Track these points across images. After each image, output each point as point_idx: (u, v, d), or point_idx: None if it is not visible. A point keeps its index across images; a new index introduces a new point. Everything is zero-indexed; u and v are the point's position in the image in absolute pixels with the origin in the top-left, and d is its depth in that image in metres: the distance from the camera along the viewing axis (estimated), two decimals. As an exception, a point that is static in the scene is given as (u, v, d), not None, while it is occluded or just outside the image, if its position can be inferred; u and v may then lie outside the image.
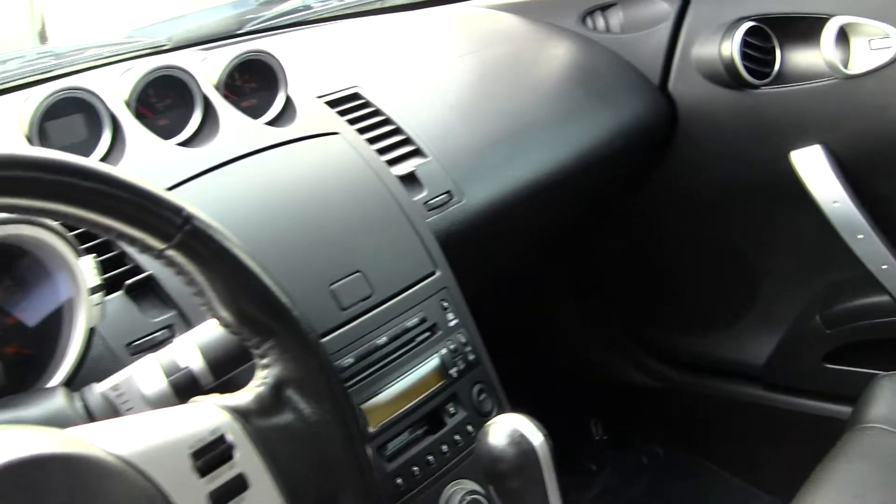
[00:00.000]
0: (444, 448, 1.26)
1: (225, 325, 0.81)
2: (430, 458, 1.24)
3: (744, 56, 1.81)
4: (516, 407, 1.22)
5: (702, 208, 2.01)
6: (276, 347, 0.81)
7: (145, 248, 0.76)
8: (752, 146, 1.87)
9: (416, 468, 1.22)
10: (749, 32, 1.81)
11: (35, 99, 1.23)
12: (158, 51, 1.67)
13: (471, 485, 1.26)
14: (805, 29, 1.79)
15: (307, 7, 1.88)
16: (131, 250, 1.12)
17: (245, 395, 0.81)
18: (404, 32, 1.85)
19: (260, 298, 0.80)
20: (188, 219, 0.76)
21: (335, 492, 0.82)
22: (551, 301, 2.28)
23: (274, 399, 0.81)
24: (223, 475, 0.75)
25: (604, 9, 1.97)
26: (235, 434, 0.77)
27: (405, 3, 2.01)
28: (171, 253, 0.76)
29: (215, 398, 0.80)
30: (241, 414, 0.79)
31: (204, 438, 0.75)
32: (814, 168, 1.80)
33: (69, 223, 0.74)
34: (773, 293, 2.06)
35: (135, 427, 0.75)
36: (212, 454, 0.75)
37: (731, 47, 1.80)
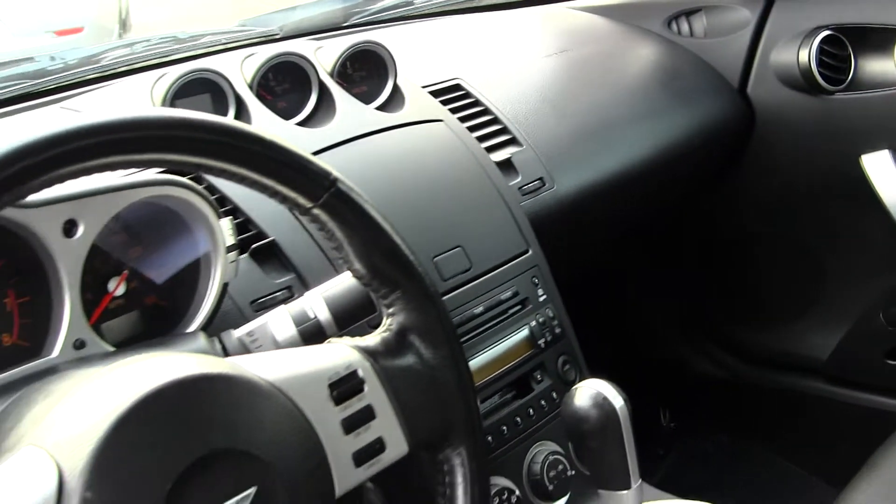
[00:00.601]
0: (531, 412, 1.37)
1: (358, 277, 0.93)
2: (518, 419, 1.35)
3: (820, 63, 1.90)
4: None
5: (775, 207, 2.10)
6: (402, 298, 0.93)
7: (295, 206, 0.88)
8: (825, 149, 1.96)
9: (504, 427, 1.33)
10: (825, 41, 1.90)
11: (168, 78, 1.36)
12: (270, 39, 1.80)
13: (553, 446, 1.37)
14: (879, 39, 1.87)
15: (408, 3, 2.00)
16: (256, 217, 1.24)
17: (373, 339, 0.93)
18: (501, 30, 1.97)
19: (390, 254, 0.92)
20: (334, 182, 0.88)
21: (447, 428, 0.94)
22: (631, 290, 2.38)
23: (398, 343, 0.93)
24: (354, 405, 0.87)
25: (688, 14, 2.06)
26: (365, 371, 0.89)
27: (502, 2, 2.12)
28: (316, 211, 0.88)
29: (348, 340, 0.92)
30: (370, 354, 0.91)
31: (339, 372, 0.88)
32: (883, 172, 1.89)
33: (232, 181, 0.86)
34: (839, 291, 2.14)
35: (281, 359, 0.87)
36: (346, 386, 0.87)
37: (809, 54, 1.90)
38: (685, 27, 2.06)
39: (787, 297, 2.23)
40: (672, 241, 2.28)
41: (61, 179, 0.73)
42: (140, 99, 1.37)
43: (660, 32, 2.06)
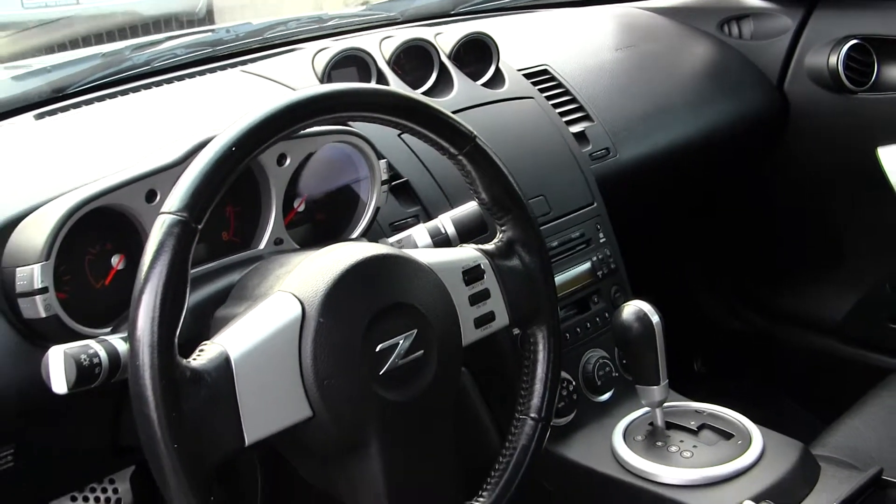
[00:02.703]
0: (588, 325, 1.79)
1: (482, 204, 1.35)
2: (578, 330, 1.77)
3: (846, 67, 2.27)
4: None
5: (802, 187, 2.48)
6: (511, 220, 1.35)
7: (445, 152, 1.30)
8: (847, 141, 2.34)
9: (567, 335, 1.75)
10: (853, 48, 2.27)
11: (328, 53, 1.78)
12: (392, 23, 2.21)
13: (603, 353, 1.79)
14: (900, 49, 2.27)
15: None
16: (395, 163, 1.65)
17: (491, 245, 1.35)
18: (581, 24, 2.37)
19: (507, 190, 1.33)
20: (474, 139, 1.30)
21: (536, 311, 1.36)
22: (674, 250, 2.77)
23: (507, 250, 1.35)
24: (476, 287, 1.30)
25: (738, 18, 2.44)
26: (485, 266, 1.32)
27: (576, 0, 2.52)
28: (460, 157, 1.30)
29: (475, 245, 1.34)
30: (489, 255, 1.33)
31: (469, 264, 1.30)
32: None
33: (406, 132, 1.28)
34: (854, 263, 2.51)
35: (432, 253, 1.30)
36: (473, 273, 1.30)
37: (838, 59, 2.27)
38: (735, 30, 2.44)
39: (807, 265, 2.60)
40: (711, 209, 2.66)
41: (312, 125, 1.16)
42: (304, 68, 1.78)
43: (713, 33, 2.43)
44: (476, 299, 1.29)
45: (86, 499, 1.80)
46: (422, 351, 1.17)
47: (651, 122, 2.09)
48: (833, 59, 2.29)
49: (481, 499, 1.29)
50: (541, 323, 1.36)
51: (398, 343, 1.15)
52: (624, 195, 1.98)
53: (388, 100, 1.23)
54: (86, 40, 2.29)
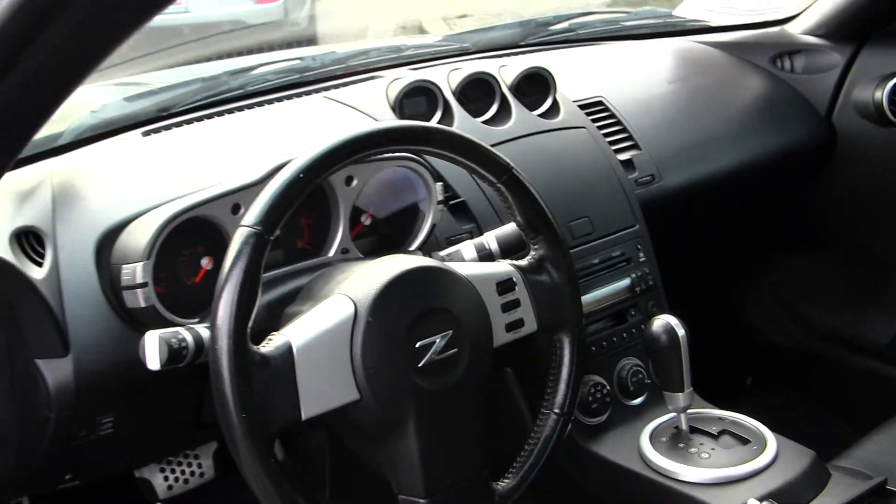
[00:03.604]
0: (624, 335, 1.98)
1: (518, 225, 1.55)
2: (615, 339, 1.96)
3: (890, 101, 2.42)
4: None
5: (849, 213, 2.62)
6: (542, 240, 1.55)
7: (485, 180, 1.50)
8: (892, 171, 2.49)
9: (604, 343, 1.94)
10: (898, 84, 2.44)
11: (400, 84, 1.99)
12: (465, 53, 2.41)
13: (637, 361, 1.97)
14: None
15: (570, 30, 2.60)
16: (454, 185, 1.86)
17: (523, 262, 1.55)
18: (637, 57, 2.54)
19: (539, 214, 1.53)
20: (510, 169, 1.50)
21: (561, 320, 1.56)
22: (725, 270, 2.93)
23: (537, 266, 1.55)
24: (508, 297, 1.50)
25: (791, 54, 2.60)
26: (517, 279, 1.52)
27: (636, 33, 2.69)
28: (499, 185, 1.50)
29: (509, 261, 1.54)
30: (521, 270, 1.53)
31: (502, 276, 1.51)
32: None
33: (452, 163, 1.49)
34: (898, 289, 2.66)
35: (471, 266, 1.50)
36: (505, 284, 1.50)
37: (882, 94, 2.43)
38: (787, 64, 2.59)
39: (856, 288, 2.74)
40: (759, 232, 2.81)
41: (368, 157, 1.37)
42: (379, 96, 1.99)
43: (765, 67, 2.59)
44: (507, 307, 1.49)
45: (172, 470, 2.04)
46: (455, 349, 1.38)
47: (697, 150, 2.26)
48: (878, 94, 2.44)
49: (506, 480, 1.48)
50: (565, 331, 1.55)
51: (435, 341, 1.36)
52: (668, 218, 2.15)
53: (434, 135, 1.44)
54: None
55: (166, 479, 2.03)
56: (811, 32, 2.59)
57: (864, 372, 2.72)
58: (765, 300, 2.91)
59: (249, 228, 1.25)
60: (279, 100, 2.05)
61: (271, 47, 3.24)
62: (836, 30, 2.55)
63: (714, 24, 2.72)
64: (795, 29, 2.63)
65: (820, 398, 2.84)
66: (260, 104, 2.02)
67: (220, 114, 1.96)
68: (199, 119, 1.94)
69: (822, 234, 2.72)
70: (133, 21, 0.98)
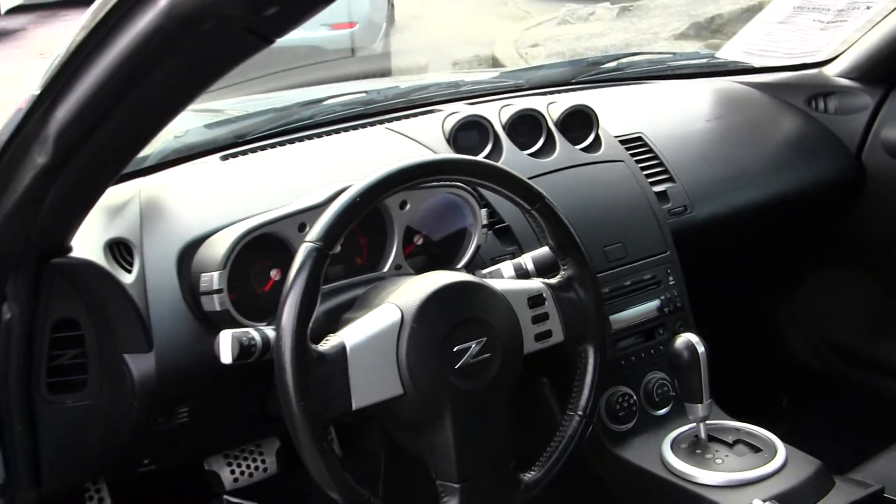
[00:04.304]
0: (652, 351, 2.16)
1: (551, 248, 1.74)
2: (643, 354, 2.15)
3: (917, 142, 2.59)
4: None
5: (877, 245, 2.77)
6: (571, 262, 1.74)
7: (520, 206, 1.70)
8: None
9: (633, 357, 2.13)
10: (925, 126, 2.59)
11: (454, 118, 2.19)
12: (519, 89, 2.61)
13: (662, 375, 2.15)
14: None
15: (616, 69, 2.79)
16: (500, 210, 2.06)
17: (553, 280, 1.74)
18: (678, 96, 2.73)
19: (568, 238, 1.72)
20: (543, 198, 1.70)
21: (586, 332, 1.74)
22: (756, 292, 3.08)
23: (566, 284, 1.74)
24: (538, 310, 1.69)
25: (825, 95, 2.76)
26: (547, 295, 1.71)
27: (680, 73, 2.88)
28: (533, 212, 1.70)
29: (541, 279, 1.74)
30: (551, 287, 1.72)
31: (533, 292, 1.70)
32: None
33: (494, 193, 1.69)
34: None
35: (507, 282, 1.70)
36: (536, 299, 1.69)
37: (911, 134, 2.60)
38: (821, 105, 2.75)
39: (884, 314, 2.89)
40: (790, 260, 2.97)
41: (417, 186, 1.58)
42: (436, 129, 2.20)
43: (799, 106, 2.75)
44: (537, 319, 1.68)
45: (238, 464, 2.26)
46: (488, 353, 1.57)
47: (729, 184, 2.44)
48: (907, 134, 2.61)
49: (532, 472, 1.67)
50: (589, 342, 1.74)
51: (470, 346, 1.56)
52: (699, 246, 2.33)
53: (476, 167, 1.65)
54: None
55: (232, 472, 2.25)
56: (844, 75, 2.76)
57: (888, 395, 2.86)
58: (795, 323, 3.06)
59: (312, 244, 1.47)
60: (345, 129, 2.26)
61: (342, 79, 3.47)
62: (868, 73, 2.71)
63: (755, 65, 2.89)
64: (830, 72, 2.79)
65: (853, 421, 2.99)
66: (328, 133, 2.24)
67: (291, 141, 2.19)
68: (272, 146, 2.16)
69: (851, 264, 2.87)
70: (220, 71, 1.20)
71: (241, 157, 2.10)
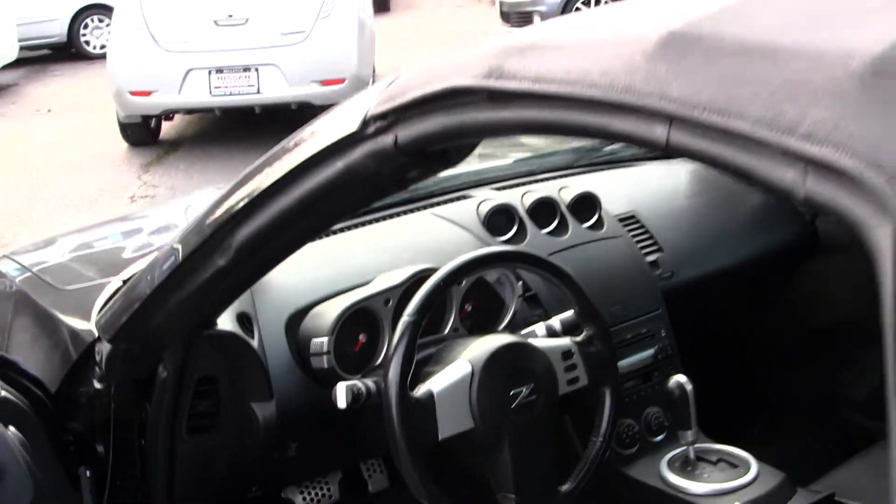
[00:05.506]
0: (649, 390, 2.70)
1: (574, 312, 2.29)
2: (642, 393, 2.69)
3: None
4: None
5: (829, 298, 3.32)
6: (591, 323, 2.28)
7: (551, 282, 2.25)
8: (861, 264, 3.18)
9: (634, 395, 2.67)
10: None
11: (487, 205, 2.74)
12: (532, 174, 3.15)
13: (658, 408, 2.70)
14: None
15: (613, 153, 3.35)
16: (528, 281, 2.60)
17: (578, 338, 2.28)
18: (664, 176, 3.28)
19: (588, 305, 2.27)
20: (569, 276, 2.24)
21: (603, 378, 2.28)
22: (737, 338, 3.63)
23: (588, 342, 2.28)
24: (569, 362, 2.22)
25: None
26: (574, 350, 2.24)
27: (661, 156, 3.43)
28: (563, 287, 2.25)
29: (570, 337, 2.28)
30: (577, 343, 2.26)
31: (564, 348, 2.23)
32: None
33: (524, 270, 2.25)
34: (877, 350, 3.32)
35: (543, 341, 2.24)
36: (567, 354, 2.23)
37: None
38: (781, 180, 3.31)
39: (837, 355, 3.43)
40: (760, 309, 3.52)
41: (486, 270, 2.14)
42: (472, 214, 2.75)
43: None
44: (568, 369, 2.22)
45: (308, 493, 2.77)
46: (535, 396, 2.11)
47: (705, 252, 3.00)
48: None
49: (567, 484, 2.21)
50: (607, 385, 2.28)
51: (522, 391, 2.09)
52: (686, 304, 2.88)
53: (523, 257, 2.22)
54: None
55: (304, 499, 2.77)
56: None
57: (844, 421, 3.40)
58: (766, 363, 3.61)
59: (410, 318, 2.00)
60: (398, 214, 2.80)
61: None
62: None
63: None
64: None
65: (812, 440, 3.52)
66: (384, 218, 2.77)
67: (356, 226, 2.72)
68: (341, 230, 2.69)
69: (808, 316, 3.42)
70: (367, 205, 1.75)
71: (318, 240, 2.63)
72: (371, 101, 1.49)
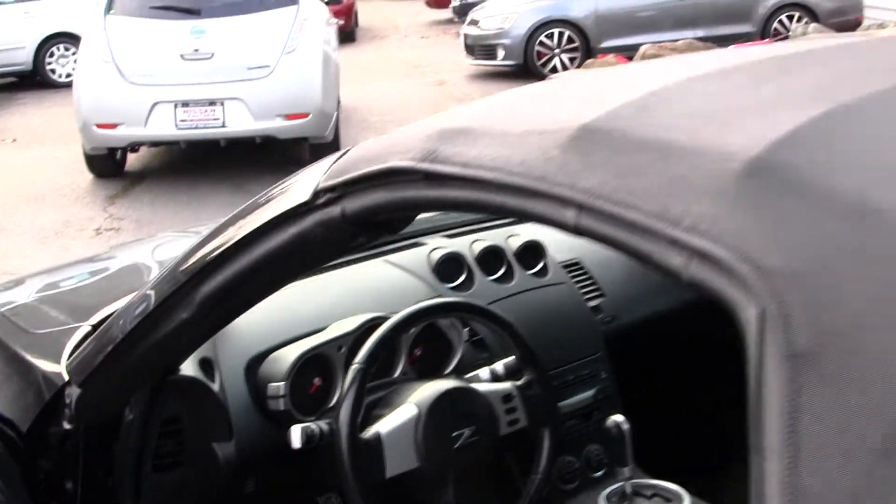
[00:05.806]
0: (590, 428, 2.87)
1: (516, 357, 2.45)
2: (582, 430, 2.85)
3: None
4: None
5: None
6: (531, 368, 2.45)
7: (494, 331, 2.41)
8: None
9: (576, 434, 2.83)
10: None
11: (437, 253, 2.90)
12: (480, 222, 3.33)
13: (598, 446, 2.86)
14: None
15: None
16: (475, 329, 2.76)
17: (519, 382, 2.44)
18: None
19: (528, 352, 2.44)
20: (512, 326, 2.41)
21: (544, 420, 2.45)
22: (673, 382, 3.82)
23: (528, 385, 2.44)
24: (510, 405, 2.39)
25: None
26: (515, 393, 2.41)
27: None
28: (504, 334, 2.41)
29: (511, 382, 2.44)
30: (517, 387, 2.43)
31: (505, 392, 2.40)
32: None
33: (472, 321, 2.41)
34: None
35: (486, 385, 2.40)
36: (507, 397, 2.39)
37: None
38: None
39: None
40: (696, 358, 3.70)
41: (433, 320, 2.30)
42: (423, 262, 2.91)
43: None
44: (508, 411, 2.38)
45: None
46: (477, 437, 2.27)
47: (643, 297, 3.16)
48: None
49: None
50: (545, 426, 2.44)
51: (465, 432, 2.25)
52: (626, 347, 3.05)
53: (469, 308, 2.38)
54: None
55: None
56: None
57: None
58: (704, 402, 3.78)
59: (360, 366, 2.16)
60: (353, 261, 2.96)
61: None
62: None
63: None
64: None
65: (739, 477, 3.70)
66: (343, 264, 2.92)
67: (313, 273, 2.88)
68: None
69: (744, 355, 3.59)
70: (331, 259, 1.91)
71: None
72: (321, 174, 1.65)
